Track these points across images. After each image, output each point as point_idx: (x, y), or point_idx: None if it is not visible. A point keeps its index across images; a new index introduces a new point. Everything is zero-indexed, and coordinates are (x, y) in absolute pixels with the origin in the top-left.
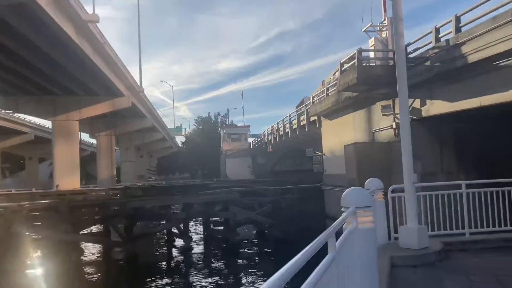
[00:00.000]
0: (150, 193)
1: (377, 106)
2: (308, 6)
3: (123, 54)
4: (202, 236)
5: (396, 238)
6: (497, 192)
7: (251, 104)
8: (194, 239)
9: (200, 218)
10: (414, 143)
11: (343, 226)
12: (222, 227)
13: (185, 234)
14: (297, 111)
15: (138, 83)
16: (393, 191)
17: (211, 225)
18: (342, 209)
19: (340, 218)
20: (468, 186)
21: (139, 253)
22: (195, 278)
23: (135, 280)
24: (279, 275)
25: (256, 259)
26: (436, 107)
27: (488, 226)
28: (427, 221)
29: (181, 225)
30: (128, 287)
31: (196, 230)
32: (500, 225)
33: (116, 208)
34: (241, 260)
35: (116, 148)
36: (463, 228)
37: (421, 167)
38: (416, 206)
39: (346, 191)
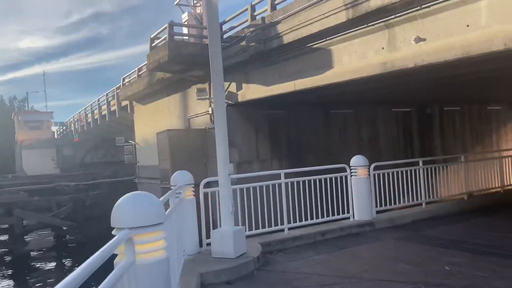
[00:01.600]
0: None
1: (193, 90)
2: None
3: None
4: None
5: (210, 244)
6: (314, 181)
7: (59, 90)
8: None
9: None
10: (230, 130)
11: (115, 261)
12: (7, 236)
13: None
14: (107, 95)
15: None
16: (206, 186)
17: None
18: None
19: (100, 251)
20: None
21: None
22: None
23: None
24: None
25: (52, 271)
26: (252, 91)
27: (306, 219)
28: (244, 219)
29: None
30: None
31: None
32: (317, 217)
33: None
34: (32, 275)
35: None
36: (282, 223)
37: (237, 155)
38: (232, 204)
39: (118, 202)
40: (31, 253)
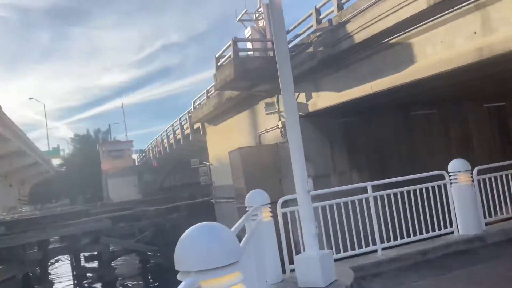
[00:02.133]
0: (16, 228)
1: (261, 105)
2: (191, 20)
3: None
4: (71, 276)
5: (294, 270)
6: (407, 193)
7: (137, 120)
8: (61, 281)
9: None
10: (303, 142)
11: None
12: (96, 263)
13: (43, 279)
14: (180, 119)
15: None
16: (284, 204)
17: (83, 261)
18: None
19: None
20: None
21: None
22: None
23: None
24: None
25: None
26: (323, 99)
27: (402, 237)
28: (330, 242)
29: (37, 268)
30: None
31: (66, 269)
32: (415, 234)
33: None
34: None
35: None
36: (374, 243)
37: (312, 169)
38: (315, 225)
39: (181, 238)
40: (119, 278)
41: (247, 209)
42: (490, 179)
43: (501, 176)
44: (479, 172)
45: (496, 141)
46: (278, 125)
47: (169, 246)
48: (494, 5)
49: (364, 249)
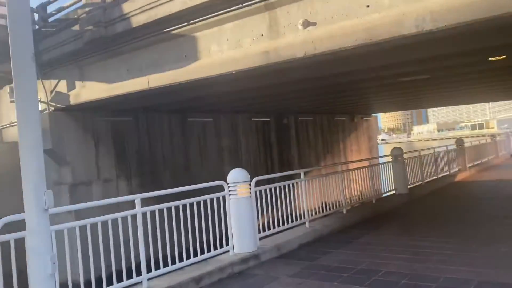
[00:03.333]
0: None
1: (5, 91)
2: None
3: None
4: None
5: None
6: (182, 207)
7: None
8: None
9: None
10: (59, 141)
11: None
12: None
13: None
14: None
15: None
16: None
17: None
18: None
19: None
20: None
21: None
22: None
23: None
24: None
25: None
26: (89, 91)
27: (174, 262)
28: (77, 274)
29: None
30: None
31: None
32: (188, 257)
33: None
34: None
35: None
36: (139, 273)
37: (71, 175)
38: (52, 260)
39: None
40: None
41: None
42: (266, 190)
43: (275, 188)
44: (257, 184)
45: (261, 154)
46: None
47: None
48: (282, 8)
49: (126, 283)
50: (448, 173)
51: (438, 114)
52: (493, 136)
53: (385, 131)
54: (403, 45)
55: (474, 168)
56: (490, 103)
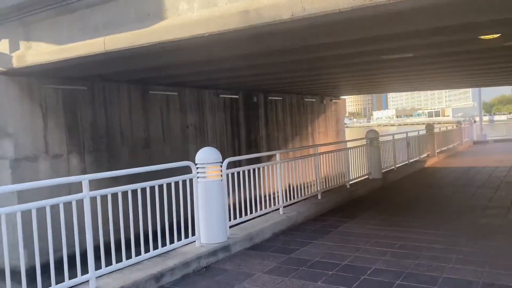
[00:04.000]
0: None
1: None
2: None
3: None
4: None
5: None
6: (141, 191)
7: None
8: None
9: None
10: (1, 110)
11: None
12: None
13: None
14: None
15: None
16: None
17: None
18: None
19: None
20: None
21: None
22: None
23: None
24: None
25: None
26: (36, 52)
27: (128, 256)
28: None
29: None
30: None
31: None
32: (146, 250)
33: None
34: None
35: None
36: (86, 271)
37: (13, 148)
38: None
39: None
40: None
41: None
42: (239, 173)
43: (249, 171)
44: (229, 165)
45: (228, 133)
46: None
47: None
48: None
49: (68, 283)
50: (418, 158)
51: (397, 100)
52: (458, 123)
53: (347, 115)
54: (399, 12)
55: (442, 154)
56: (447, 91)
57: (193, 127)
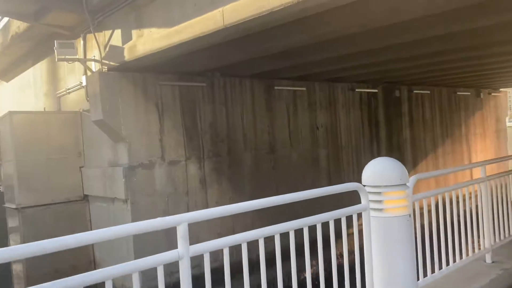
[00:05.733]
0: None
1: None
2: None
3: None
4: None
5: None
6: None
7: None
8: None
9: None
10: (113, 111)
11: None
12: None
13: None
14: None
15: None
16: None
17: None
18: None
19: None
20: None
21: None
22: None
23: None
24: None
25: None
26: (147, 40)
27: None
28: None
29: None
30: None
31: None
32: None
33: None
34: None
35: None
36: None
37: (127, 154)
38: None
39: None
40: None
41: None
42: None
43: (443, 197)
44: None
45: (365, 135)
46: (81, 82)
47: None
48: None
49: None
50: None
51: None
52: None
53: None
54: None
55: None
56: None
57: (324, 128)
